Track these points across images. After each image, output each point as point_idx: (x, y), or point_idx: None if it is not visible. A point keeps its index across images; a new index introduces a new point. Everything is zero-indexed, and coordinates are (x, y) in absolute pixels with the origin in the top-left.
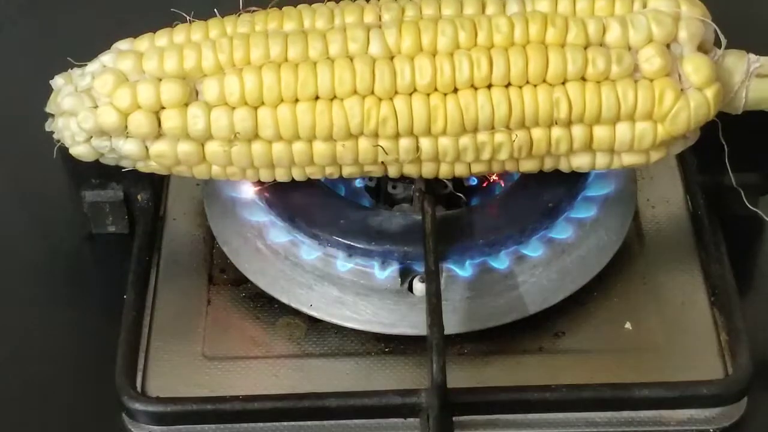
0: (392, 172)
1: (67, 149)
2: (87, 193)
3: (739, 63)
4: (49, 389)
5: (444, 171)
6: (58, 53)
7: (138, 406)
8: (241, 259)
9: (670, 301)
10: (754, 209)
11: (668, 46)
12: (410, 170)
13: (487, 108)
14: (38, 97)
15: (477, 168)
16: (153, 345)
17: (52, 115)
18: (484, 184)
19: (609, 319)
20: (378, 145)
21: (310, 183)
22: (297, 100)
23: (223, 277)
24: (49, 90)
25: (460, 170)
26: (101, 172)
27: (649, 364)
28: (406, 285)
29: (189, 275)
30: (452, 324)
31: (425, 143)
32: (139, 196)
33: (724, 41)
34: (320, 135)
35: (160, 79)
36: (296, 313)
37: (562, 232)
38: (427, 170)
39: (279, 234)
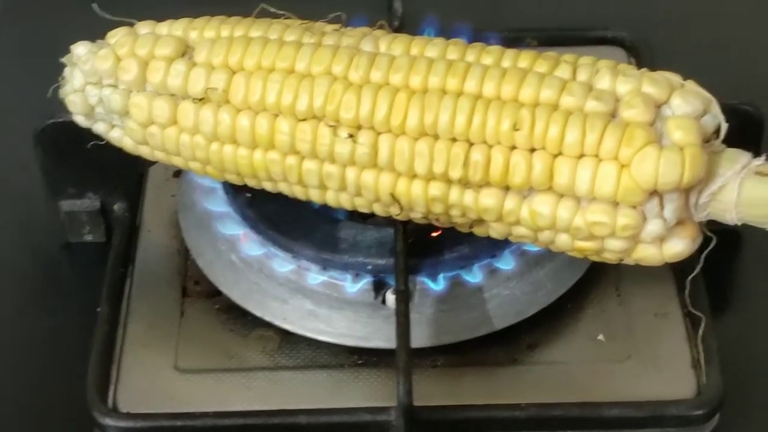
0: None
1: (46, 162)
2: (64, 202)
3: (737, 157)
4: (20, 399)
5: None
6: (37, 64)
7: (108, 421)
8: (214, 271)
9: (643, 313)
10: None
11: (659, 107)
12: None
13: (449, 106)
14: (14, 106)
15: (434, 190)
16: (125, 357)
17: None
18: None
19: (582, 331)
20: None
21: (284, 196)
22: (272, 70)
23: (197, 289)
24: (25, 101)
25: (416, 190)
26: (78, 182)
27: (622, 377)
28: (380, 298)
29: (163, 287)
30: (425, 337)
31: (383, 141)
32: (115, 207)
33: (724, 127)
34: (284, 109)
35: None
36: (269, 325)
37: None
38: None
39: (253, 247)
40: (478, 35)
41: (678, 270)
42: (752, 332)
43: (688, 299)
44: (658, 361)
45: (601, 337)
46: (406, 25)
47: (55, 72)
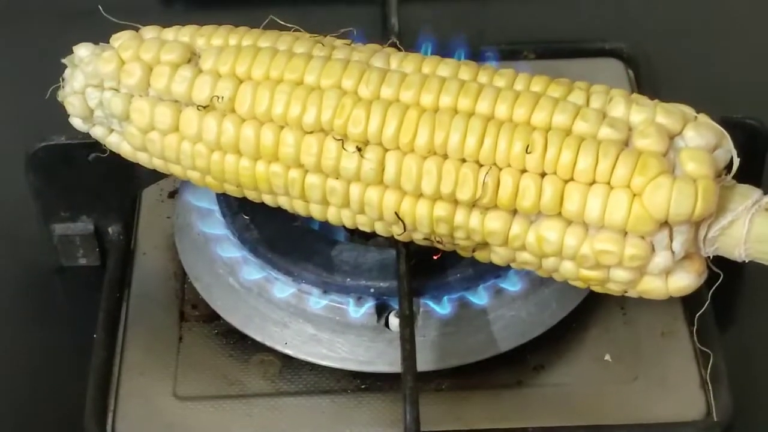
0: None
1: (39, 185)
2: (57, 226)
3: (748, 193)
4: (15, 428)
5: (406, 206)
6: (28, 86)
7: None
8: (213, 296)
9: (650, 332)
10: None
11: (672, 138)
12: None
13: (460, 127)
14: (6, 128)
15: (440, 210)
16: (123, 385)
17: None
18: None
19: (588, 351)
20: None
21: (283, 217)
22: (281, 81)
23: (195, 314)
24: (17, 123)
25: (422, 210)
26: (71, 205)
27: (629, 398)
28: (382, 321)
29: (160, 312)
30: (430, 360)
31: (391, 158)
32: (109, 229)
33: (736, 162)
34: (291, 121)
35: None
36: (270, 349)
37: None
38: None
39: (252, 270)
40: (475, 49)
41: None
42: (760, 350)
43: (696, 336)
44: (666, 381)
45: (607, 357)
46: (402, 41)
47: (46, 94)
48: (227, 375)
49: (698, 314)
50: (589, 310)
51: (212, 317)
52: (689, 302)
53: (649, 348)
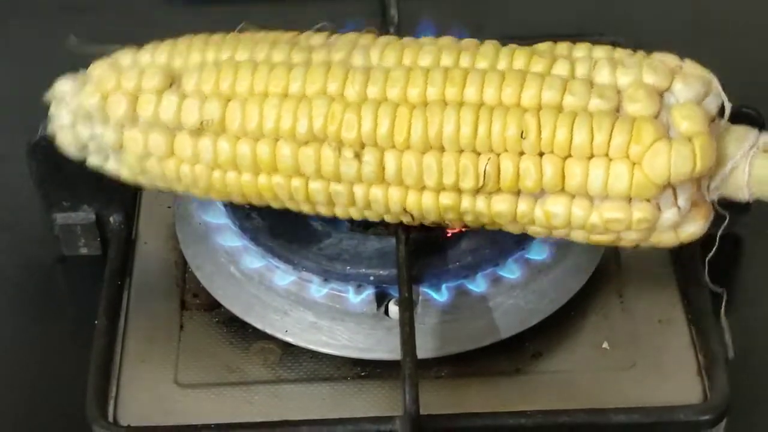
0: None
1: (40, 174)
2: (58, 215)
3: (744, 135)
4: (18, 416)
5: (411, 200)
6: (30, 75)
7: None
8: (214, 284)
9: (647, 320)
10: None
11: (661, 95)
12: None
13: (452, 118)
14: (8, 117)
15: (445, 200)
16: (125, 372)
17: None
18: None
19: (586, 338)
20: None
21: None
22: (266, 94)
23: (196, 302)
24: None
25: (427, 201)
26: (72, 194)
27: (627, 384)
28: (382, 309)
29: (161, 300)
30: (429, 348)
31: (389, 158)
32: (111, 219)
33: (728, 106)
34: (284, 134)
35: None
36: (271, 337)
37: (538, 252)
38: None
39: (253, 259)
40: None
41: (680, 275)
42: (758, 335)
43: (692, 326)
44: (664, 367)
45: (605, 344)
46: (401, 32)
47: (48, 83)
48: (228, 363)
49: (694, 306)
50: (587, 298)
51: (213, 305)
52: (686, 290)
53: (647, 335)
